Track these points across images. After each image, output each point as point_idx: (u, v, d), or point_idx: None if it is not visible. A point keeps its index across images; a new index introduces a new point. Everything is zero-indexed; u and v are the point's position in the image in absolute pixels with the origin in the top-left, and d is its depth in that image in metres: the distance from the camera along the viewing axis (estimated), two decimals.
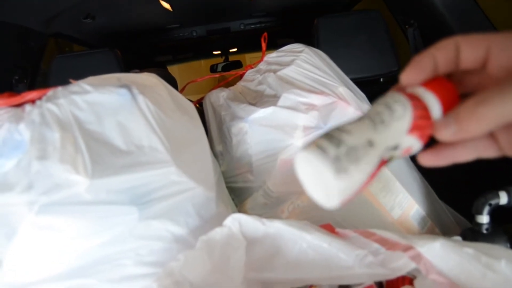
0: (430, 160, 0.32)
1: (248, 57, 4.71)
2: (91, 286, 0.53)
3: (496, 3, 1.31)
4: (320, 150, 0.26)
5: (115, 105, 0.61)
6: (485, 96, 0.26)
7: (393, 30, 1.54)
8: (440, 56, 0.30)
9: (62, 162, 0.53)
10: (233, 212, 0.61)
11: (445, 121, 0.29)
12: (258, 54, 1.10)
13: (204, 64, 4.60)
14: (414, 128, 0.30)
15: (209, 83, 4.49)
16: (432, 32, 1.39)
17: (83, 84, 0.62)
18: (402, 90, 0.31)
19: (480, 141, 0.31)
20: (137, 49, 2.55)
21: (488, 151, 0.31)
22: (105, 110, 0.60)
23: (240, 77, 1.11)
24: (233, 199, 0.85)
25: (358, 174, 0.27)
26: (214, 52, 3.41)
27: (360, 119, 0.29)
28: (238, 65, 3.49)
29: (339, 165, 0.26)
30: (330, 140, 0.27)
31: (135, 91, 0.62)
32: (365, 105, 0.88)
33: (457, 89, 0.31)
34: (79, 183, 0.53)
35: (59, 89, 0.63)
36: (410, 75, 0.31)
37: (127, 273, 0.55)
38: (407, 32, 1.50)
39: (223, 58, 3.61)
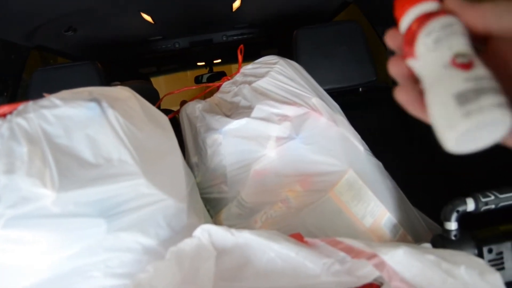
0: (403, 99, 0.32)
1: (234, 68, 4.73)
2: None
3: None
4: (506, 107, 0.25)
5: (83, 118, 0.61)
6: None
7: (372, 40, 1.56)
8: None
9: (29, 175, 0.54)
10: (207, 223, 0.61)
11: (478, 9, 0.28)
12: (243, 65, 1.11)
13: (190, 75, 4.61)
14: None
15: (195, 95, 4.50)
16: None
17: (53, 99, 0.63)
18: (433, 15, 0.30)
19: None
20: (120, 61, 2.56)
21: None
22: (74, 123, 0.61)
23: (217, 88, 1.13)
24: (208, 210, 0.85)
25: None
26: (198, 63, 3.42)
27: (475, 58, 0.27)
28: (223, 75, 3.50)
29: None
30: (498, 92, 0.26)
31: (105, 104, 0.63)
32: (338, 115, 0.89)
33: None
34: (46, 196, 0.53)
35: (30, 103, 0.63)
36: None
37: (97, 285, 0.55)
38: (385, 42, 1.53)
39: (208, 69, 3.62)
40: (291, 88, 0.91)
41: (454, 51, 0.28)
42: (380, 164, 0.90)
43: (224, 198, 0.85)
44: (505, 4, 0.27)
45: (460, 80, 0.26)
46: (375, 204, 0.79)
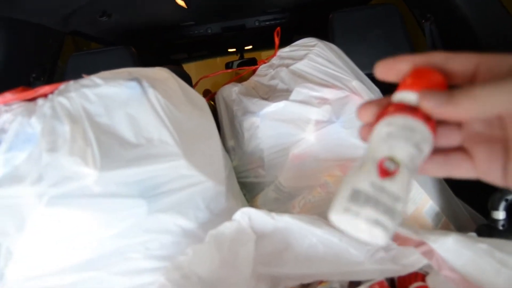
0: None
1: (264, 55, 4.69)
2: (101, 279, 0.54)
3: None
4: (380, 227, 0.26)
5: (124, 97, 0.61)
6: (483, 84, 0.25)
7: (410, 24, 1.51)
8: (420, 61, 0.29)
9: (71, 154, 0.53)
10: (244, 207, 0.60)
11: (436, 93, 0.27)
12: (273, 51, 1.09)
13: (220, 61, 4.60)
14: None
15: (225, 80, 4.50)
16: (450, 26, 1.37)
17: (94, 78, 0.62)
18: (419, 114, 0.28)
19: (453, 157, 0.30)
20: (152, 47, 2.57)
21: (460, 170, 0.30)
22: (114, 102, 0.60)
23: (253, 72, 1.11)
24: (244, 194, 0.84)
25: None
26: (229, 50, 3.40)
27: (401, 173, 0.27)
28: (253, 62, 3.48)
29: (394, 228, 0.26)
30: (386, 213, 0.26)
31: (145, 84, 0.62)
32: None
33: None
34: (88, 175, 0.53)
35: (71, 83, 0.63)
36: (386, 69, 0.31)
37: (136, 267, 0.55)
38: (424, 26, 1.48)
39: (238, 55, 3.60)
40: (330, 71, 0.88)
41: (389, 153, 0.27)
42: None
43: (261, 183, 0.83)
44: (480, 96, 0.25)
45: (369, 180, 0.27)
46: (417, 191, 0.76)
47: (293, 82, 0.88)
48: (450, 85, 0.30)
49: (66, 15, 1.61)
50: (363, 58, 1.36)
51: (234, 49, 3.40)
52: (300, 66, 0.91)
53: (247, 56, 3.61)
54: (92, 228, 0.54)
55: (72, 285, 0.53)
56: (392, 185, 0.26)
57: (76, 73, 1.43)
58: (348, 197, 0.26)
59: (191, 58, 3.21)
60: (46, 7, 1.46)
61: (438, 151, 0.30)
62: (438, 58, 0.29)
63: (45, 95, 0.64)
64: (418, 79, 0.29)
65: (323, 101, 0.82)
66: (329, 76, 0.87)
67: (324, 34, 1.43)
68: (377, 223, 0.26)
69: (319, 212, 0.73)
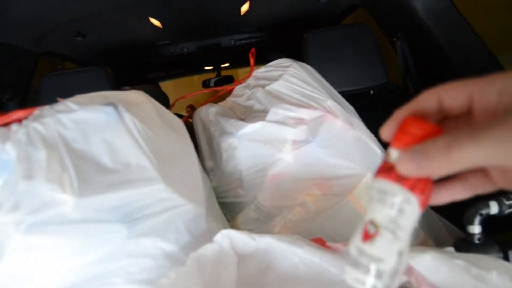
0: (449, 196, 0.32)
1: (241, 72, 4.73)
2: None
3: (479, 13, 1.34)
4: (360, 284, 0.30)
5: (101, 123, 0.60)
6: (456, 139, 0.26)
7: (382, 42, 1.56)
8: (420, 107, 0.30)
9: (48, 181, 0.53)
10: (225, 227, 0.61)
11: (412, 155, 0.28)
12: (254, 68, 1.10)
13: (197, 79, 4.60)
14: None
15: (202, 99, 4.51)
16: (419, 43, 1.41)
17: (69, 103, 0.62)
18: (392, 175, 0.30)
19: (476, 179, 0.31)
20: (128, 66, 2.56)
21: (484, 187, 0.31)
22: (91, 128, 0.60)
23: (230, 92, 1.12)
24: (224, 214, 0.85)
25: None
26: (206, 68, 3.43)
27: (380, 235, 0.30)
28: (230, 80, 3.50)
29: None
30: (365, 273, 0.30)
31: (121, 108, 0.62)
32: (354, 118, 0.88)
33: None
34: (66, 202, 0.52)
35: (45, 108, 0.63)
36: (391, 127, 0.31)
37: None
38: (395, 45, 1.52)
39: (215, 73, 3.62)
40: (305, 91, 0.90)
41: (370, 217, 0.30)
42: None
43: (240, 203, 0.84)
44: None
45: (354, 244, 0.31)
46: None
47: (269, 102, 0.90)
48: (450, 118, 0.31)
49: (39, 35, 1.60)
50: (337, 77, 1.40)
51: (211, 67, 3.42)
52: (276, 86, 0.93)
53: (224, 73, 3.64)
54: (72, 255, 0.53)
55: None
56: (372, 248, 0.30)
57: (50, 93, 1.43)
58: (346, 257, 0.32)
59: (168, 76, 3.22)
60: (19, 27, 1.44)
61: (456, 177, 0.32)
62: (432, 98, 0.30)
63: (19, 121, 0.63)
64: (401, 134, 0.30)
65: (299, 121, 0.84)
66: (304, 96, 0.89)
67: (299, 52, 1.46)
68: (357, 281, 0.30)
69: (299, 231, 0.74)
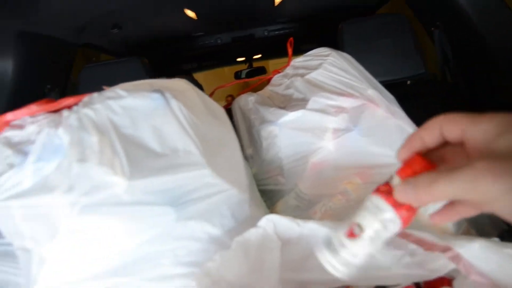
0: (440, 219, 0.37)
1: (271, 63, 4.71)
2: (131, 285, 0.55)
3: None
4: (334, 269, 0.37)
5: (149, 109, 0.62)
6: (437, 176, 0.31)
7: (419, 32, 1.53)
8: (426, 135, 0.35)
9: (100, 164, 0.55)
10: (266, 214, 0.61)
11: (405, 188, 0.34)
12: (281, 60, 1.11)
13: (227, 71, 4.62)
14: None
15: (234, 90, 4.52)
16: (458, 32, 1.38)
17: (118, 90, 0.64)
18: (390, 198, 0.35)
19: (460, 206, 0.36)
20: (163, 58, 2.59)
21: (469, 213, 0.35)
22: (139, 114, 0.61)
23: (267, 82, 1.12)
24: (264, 202, 0.85)
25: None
26: (238, 59, 3.43)
27: (362, 238, 0.36)
28: (262, 71, 3.49)
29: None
30: (340, 262, 0.37)
31: (168, 95, 0.64)
32: (395, 107, 0.87)
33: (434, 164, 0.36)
34: (118, 184, 0.54)
35: (95, 94, 0.64)
36: (403, 153, 0.37)
37: (165, 273, 0.56)
38: (432, 34, 1.49)
39: (247, 64, 3.62)
40: (345, 80, 0.89)
41: (359, 221, 0.36)
42: None
43: (280, 190, 0.84)
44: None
45: (337, 236, 0.37)
46: None
47: (308, 91, 0.90)
48: (448, 145, 0.35)
49: (78, 27, 1.63)
50: (373, 67, 1.38)
51: (243, 58, 3.42)
52: (315, 75, 0.93)
53: (255, 65, 3.62)
54: (122, 235, 0.55)
55: None
56: (352, 245, 0.36)
57: (89, 85, 1.46)
58: (327, 242, 0.38)
59: (201, 68, 3.23)
60: (59, 19, 1.48)
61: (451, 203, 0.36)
62: (434, 127, 0.35)
63: (69, 107, 0.65)
64: (406, 167, 0.36)
65: (340, 109, 0.83)
66: (344, 85, 0.88)
67: (332, 43, 1.45)
68: (331, 265, 0.37)
69: (340, 219, 0.74)
